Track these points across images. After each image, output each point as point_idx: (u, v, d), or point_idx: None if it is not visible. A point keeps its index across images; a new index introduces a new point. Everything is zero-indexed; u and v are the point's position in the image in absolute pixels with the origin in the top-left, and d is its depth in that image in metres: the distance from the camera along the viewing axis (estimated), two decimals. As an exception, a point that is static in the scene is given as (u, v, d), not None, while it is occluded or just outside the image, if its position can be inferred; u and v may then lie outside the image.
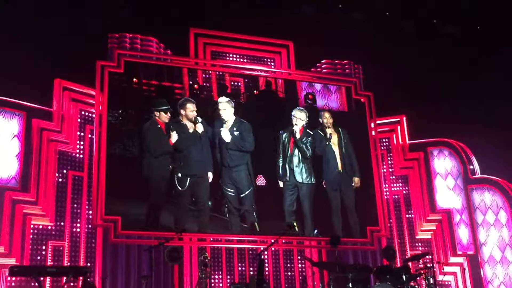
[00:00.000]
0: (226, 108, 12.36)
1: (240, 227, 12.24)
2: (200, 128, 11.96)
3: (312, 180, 12.78)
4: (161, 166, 11.77)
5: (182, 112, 12.02)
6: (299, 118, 12.84)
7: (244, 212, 12.28)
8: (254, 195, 12.36)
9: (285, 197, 12.68)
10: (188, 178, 11.85)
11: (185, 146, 11.90)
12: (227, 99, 12.45)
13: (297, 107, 13.11)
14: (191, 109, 12.02)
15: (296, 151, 12.76)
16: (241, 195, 12.27)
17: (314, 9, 14.19)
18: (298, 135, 12.73)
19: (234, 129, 12.34)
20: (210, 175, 12.10)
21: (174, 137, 11.82)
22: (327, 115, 13.26)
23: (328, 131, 13.11)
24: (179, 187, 11.79)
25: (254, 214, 12.32)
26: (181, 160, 11.89)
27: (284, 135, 12.85)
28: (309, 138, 12.87)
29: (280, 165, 12.76)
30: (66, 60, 11.68)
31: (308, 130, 12.93)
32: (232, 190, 12.24)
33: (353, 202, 13.11)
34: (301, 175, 12.72)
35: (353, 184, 13.17)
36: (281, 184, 12.72)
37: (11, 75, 11.08)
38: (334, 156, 13.08)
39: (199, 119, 11.99)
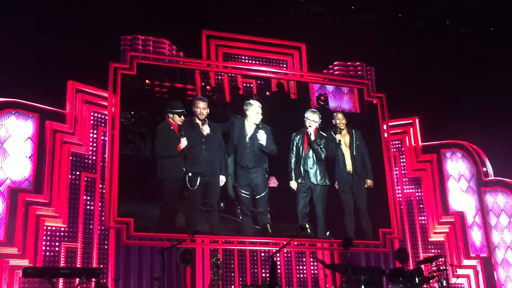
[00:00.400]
0: (258, 112, 12.41)
1: (253, 229, 12.23)
2: (206, 129, 11.95)
3: (327, 181, 12.77)
4: (175, 167, 11.78)
5: (194, 109, 12.04)
6: (313, 120, 12.81)
7: (258, 214, 12.27)
8: (269, 197, 12.36)
9: (298, 199, 12.65)
10: (199, 178, 11.85)
11: (192, 145, 11.89)
12: (257, 102, 12.50)
13: (310, 109, 13.07)
14: (199, 105, 12.01)
15: (311, 152, 12.74)
16: (256, 197, 12.27)
17: (326, 11, 14.18)
18: (312, 137, 12.69)
19: (264, 132, 12.40)
20: (223, 178, 12.08)
21: (183, 143, 11.80)
22: (340, 116, 13.23)
23: (338, 136, 13.06)
24: (190, 187, 11.79)
25: (268, 216, 12.32)
26: (190, 158, 11.89)
27: (297, 137, 12.82)
28: (323, 140, 12.84)
29: (293, 167, 12.72)
30: (79, 62, 11.70)
31: (321, 132, 12.89)
32: (248, 193, 12.23)
33: (365, 204, 13.08)
34: (315, 176, 12.69)
35: (365, 186, 13.13)
36: (293, 186, 12.67)
37: (24, 77, 11.14)
38: (344, 158, 13.05)
39: (207, 121, 12.00)
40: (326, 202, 12.74)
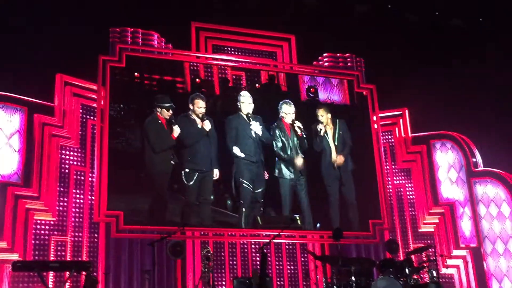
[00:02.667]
0: (250, 102, 12.42)
1: (250, 222, 12.21)
2: (207, 125, 11.96)
3: (308, 173, 12.75)
4: (163, 161, 11.76)
5: (191, 106, 12.02)
6: (289, 112, 12.78)
7: (255, 208, 12.28)
8: (265, 191, 12.39)
9: (284, 190, 12.61)
10: (196, 173, 11.85)
11: (193, 141, 11.91)
12: (249, 93, 12.50)
13: (284, 101, 12.94)
14: (199, 105, 12.03)
15: (294, 143, 12.70)
16: (256, 191, 12.29)
17: (316, 2, 14.15)
18: (298, 130, 12.63)
19: (258, 123, 12.41)
20: (217, 172, 12.06)
21: (176, 131, 11.80)
22: (321, 111, 13.16)
23: (320, 127, 13.02)
24: (185, 182, 11.78)
25: (261, 209, 12.35)
26: (188, 155, 11.88)
27: (277, 129, 12.73)
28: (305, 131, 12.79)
29: (277, 159, 12.68)
30: (68, 55, 11.64)
31: (299, 124, 12.77)
32: (251, 185, 12.23)
33: (353, 196, 13.09)
34: (300, 168, 12.67)
35: (334, 163, 13.07)
36: (279, 177, 12.63)
37: (13, 70, 11.11)
38: (330, 150, 13.05)
39: (205, 117, 11.99)
40: (312, 193, 12.74)
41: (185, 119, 11.96)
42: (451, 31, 14.82)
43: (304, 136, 12.69)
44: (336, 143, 13.10)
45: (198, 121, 11.98)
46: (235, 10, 13.56)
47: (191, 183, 11.81)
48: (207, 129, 11.96)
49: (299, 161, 12.68)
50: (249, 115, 12.38)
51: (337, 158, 13.05)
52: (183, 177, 11.80)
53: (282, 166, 12.66)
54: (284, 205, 12.56)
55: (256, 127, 12.34)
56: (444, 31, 14.79)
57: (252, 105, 12.46)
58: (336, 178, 13.02)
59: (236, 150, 12.24)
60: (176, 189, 11.86)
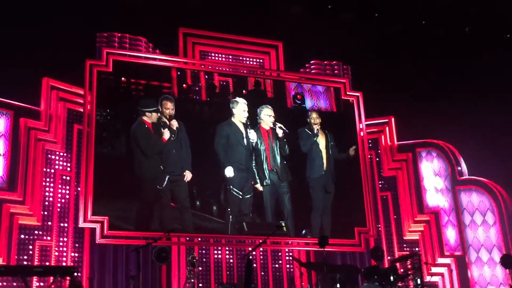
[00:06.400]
0: (245, 110, 12.41)
1: (233, 228, 12.16)
2: (174, 123, 11.86)
3: (290, 178, 12.74)
4: (152, 166, 11.73)
5: (160, 108, 11.94)
6: (272, 115, 12.75)
7: (242, 215, 12.25)
8: (253, 198, 12.38)
9: (266, 197, 12.56)
10: (167, 176, 11.78)
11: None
12: (244, 100, 12.47)
13: (265, 105, 12.85)
14: (167, 106, 11.95)
15: (276, 149, 12.71)
16: (246, 197, 12.28)
17: (303, 10, 14.20)
18: (280, 134, 12.63)
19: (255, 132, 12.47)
20: (188, 174, 11.96)
21: (166, 134, 11.78)
22: (314, 115, 13.26)
23: (315, 127, 13.11)
24: (158, 186, 11.72)
25: (251, 215, 12.33)
26: (163, 157, 11.83)
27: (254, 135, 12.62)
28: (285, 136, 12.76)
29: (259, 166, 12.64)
30: (54, 59, 11.60)
31: (282, 127, 12.71)
32: (240, 193, 12.21)
33: (330, 203, 13.10)
34: (282, 173, 12.65)
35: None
36: (261, 183, 12.56)
37: (-1, 73, 11.04)
38: (320, 157, 13.08)
39: (172, 116, 11.91)
40: (296, 199, 12.75)
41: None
42: (437, 41, 14.90)
43: (285, 139, 12.65)
44: (330, 152, 13.14)
45: (165, 127, 11.82)
46: (223, 16, 13.56)
47: (162, 186, 11.73)
48: (174, 127, 11.80)
49: (278, 166, 12.65)
50: (247, 124, 12.35)
51: (327, 167, 13.08)
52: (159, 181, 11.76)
53: (263, 172, 12.63)
54: (267, 212, 12.54)
55: (254, 136, 12.35)
56: (429, 40, 14.86)
57: (246, 113, 12.42)
58: (322, 185, 13.02)
59: (228, 172, 12.14)
60: (159, 195, 11.78)
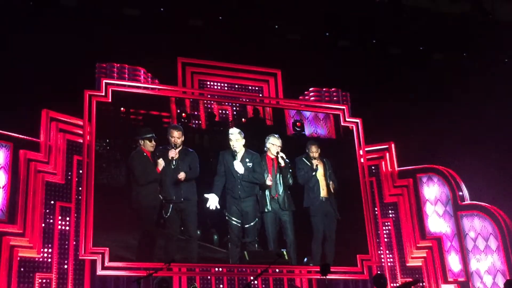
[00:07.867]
0: (238, 139, 12.29)
1: (234, 257, 12.07)
2: (171, 153, 11.74)
3: (293, 207, 12.61)
4: (150, 194, 11.65)
5: (168, 138, 11.91)
6: (278, 145, 12.69)
7: (246, 244, 12.15)
8: (258, 226, 12.27)
9: (267, 225, 12.45)
10: (171, 205, 11.71)
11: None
12: (238, 130, 12.39)
13: (272, 134, 12.83)
14: (173, 134, 11.89)
15: (279, 178, 12.66)
16: (246, 226, 12.16)
17: (301, 38, 14.28)
18: (283, 163, 12.59)
19: (247, 160, 12.27)
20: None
21: (160, 164, 11.72)
22: (314, 149, 13.09)
23: (315, 162, 13.02)
24: (164, 214, 11.66)
25: (256, 246, 12.23)
26: (162, 185, 11.77)
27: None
28: (290, 166, 12.68)
29: (261, 193, 12.55)
30: (53, 90, 11.64)
31: (285, 157, 12.66)
32: (239, 221, 12.10)
33: (334, 231, 12.97)
34: (284, 202, 12.53)
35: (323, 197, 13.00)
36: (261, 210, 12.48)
37: (-2, 105, 11.05)
38: (319, 186, 12.96)
39: (177, 146, 11.85)
40: (296, 228, 12.61)
41: (162, 151, 11.81)
42: (434, 65, 14.97)
43: (289, 165, 12.58)
44: (327, 180, 13.05)
45: (160, 157, 11.75)
46: (221, 45, 13.61)
47: (168, 215, 11.66)
48: (169, 157, 11.68)
49: (280, 194, 12.59)
50: (235, 153, 12.30)
51: (326, 194, 13.00)
52: (163, 210, 11.68)
53: (265, 200, 12.56)
54: (269, 240, 12.43)
55: (239, 166, 12.21)
56: (427, 65, 14.93)
57: (242, 142, 12.33)
58: (323, 213, 12.93)
59: (210, 199, 12.02)
60: (161, 224, 11.73)
